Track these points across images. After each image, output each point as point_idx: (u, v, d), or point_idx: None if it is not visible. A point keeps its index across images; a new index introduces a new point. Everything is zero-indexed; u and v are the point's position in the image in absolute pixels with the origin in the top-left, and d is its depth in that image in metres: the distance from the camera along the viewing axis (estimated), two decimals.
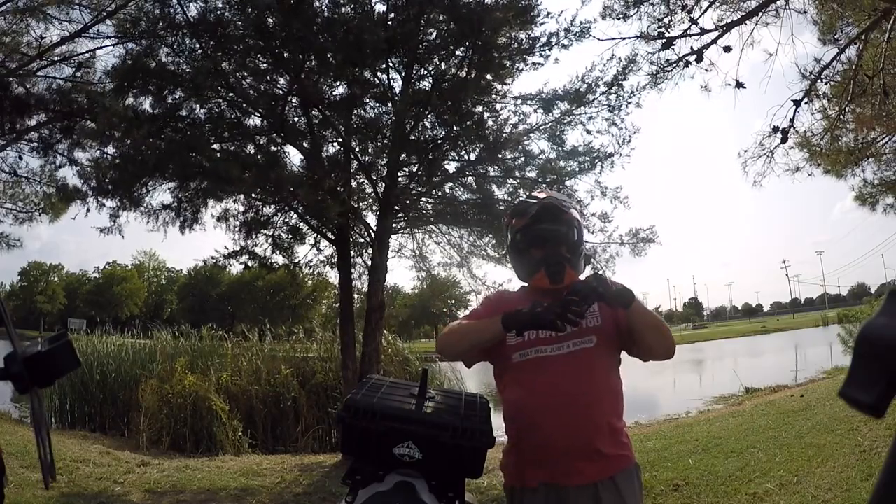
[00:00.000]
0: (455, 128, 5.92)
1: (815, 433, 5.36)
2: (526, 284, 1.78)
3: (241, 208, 6.97)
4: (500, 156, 6.28)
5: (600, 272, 1.52)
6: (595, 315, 1.63)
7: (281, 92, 6.32)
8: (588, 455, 1.55)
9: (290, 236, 7.18)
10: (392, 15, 5.98)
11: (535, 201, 1.71)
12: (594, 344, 1.62)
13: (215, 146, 6.31)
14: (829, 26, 7.41)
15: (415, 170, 6.58)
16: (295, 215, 7.00)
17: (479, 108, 6.26)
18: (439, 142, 6.29)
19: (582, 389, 1.56)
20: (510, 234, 1.78)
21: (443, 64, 6.29)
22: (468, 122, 5.88)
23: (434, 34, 6.24)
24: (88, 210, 6.70)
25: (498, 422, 1.66)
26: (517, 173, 6.49)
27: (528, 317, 1.49)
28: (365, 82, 6.06)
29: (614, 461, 1.58)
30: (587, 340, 1.62)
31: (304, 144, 6.42)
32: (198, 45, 6.04)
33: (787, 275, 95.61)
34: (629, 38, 6.58)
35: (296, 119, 6.44)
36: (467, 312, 1.89)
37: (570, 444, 1.54)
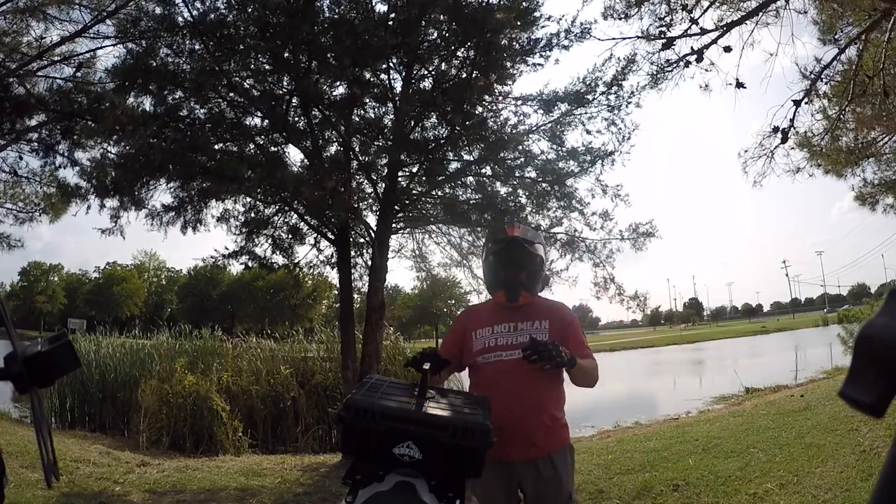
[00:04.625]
0: (456, 128, 5.92)
1: (815, 433, 5.36)
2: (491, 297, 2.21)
3: (242, 209, 6.98)
4: (500, 156, 6.28)
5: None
6: (544, 331, 2.04)
7: (282, 92, 6.32)
8: (531, 438, 1.97)
9: (290, 236, 7.18)
10: (393, 15, 5.98)
11: (506, 235, 2.12)
12: None
13: (216, 146, 6.31)
14: (829, 26, 7.41)
15: (415, 170, 6.58)
16: (295, 216, 7.00)
17: (480, 109, 6.26)
18: (441, 142, 6.29)
19: (528, 385, 1.97)
20: (485, 254, 2.20)
21: (443, 64, 6.29)
22: (469, 123, 5.88)
23: (435, 35, 6.24)
24: (89, 207, 6.70)
25: None
26: (517, 173, 6.49)
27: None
28: (365, 83, 6.06)
29: (552, 442, 2.03)
30: None
31: (305, 144, 6.42)
32: (198, 46, 6.04)
33: (787, 275, 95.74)
34: (629, 38, 6.59)
35: (296, 119, 6.44)
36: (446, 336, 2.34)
37: (518, 429, 1.93)
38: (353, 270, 6.98)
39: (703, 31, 6.58)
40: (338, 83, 6.27)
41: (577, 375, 2.01)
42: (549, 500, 2.00)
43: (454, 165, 6.72)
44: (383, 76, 6.27)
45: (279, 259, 7.24)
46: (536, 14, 6.00)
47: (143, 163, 5.62)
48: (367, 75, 6.09)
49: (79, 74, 7.89)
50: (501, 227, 2.22)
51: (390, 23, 5.84)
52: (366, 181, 6.63)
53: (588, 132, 6.43)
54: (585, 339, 2.12)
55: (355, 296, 7.32)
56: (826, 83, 7.83)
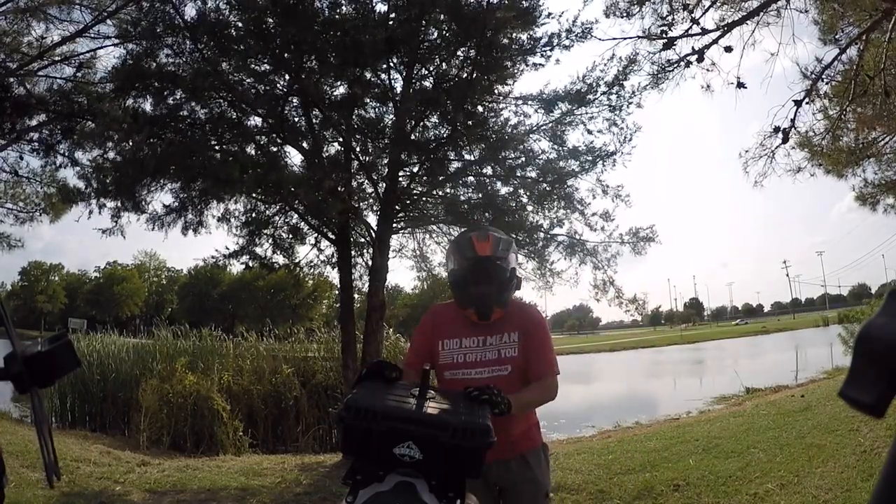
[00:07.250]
0: (457, 128, 5.92)
1: (816, 433, 5.36)
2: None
3: (243, 209, 6.98)
4: (501, 156, 6.28)
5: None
6: (515, 346, 1.98)
7: (281, 92, 6.32)
8: (506, 439, 1.82)
9: (290, 236, 7.18)
10: (393, 15, 5.98)
11: (475, 254, 1.93)
12: (508, 372, 1.96)
13: (216, 147, 6.30)
14: (830, 26, 7.40)
15: (416, 170, 6.58)
16: (296, 216, 7.00)
17: (481, 109, 6.26)
18: (441, 142, 6.29)
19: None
20: (452, 264, 2.03)
21: (444, 64, 6.29)
22: (470, 122, 5.88)
23: (435, 34, 6.24)
24: (91, 213, 6.70)
25: None
26: (518, 173, 6.49)
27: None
28: (366, 82, 6.06)
29: (523, 443, 2.01)
30: (503, 368, 1.97)
31: (305, 145, 6.42)
32: (198, 47, 6.04)
33: (787, 275, 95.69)
34: (630, 37, 6.59)
35: (296, 119, 6.44)
36: (412, 341, 2.20)
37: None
38: (353, 270, 6.98)
39: (704, 31, 6.59)
40: (338, 83, 6.27)
41: (521, 410, 1.89)
42: (528, 499, 2.01)
43: (455, 165, 6.72)
44: (383, 76, 6.28)
45: (280, 259, 7.25)
46: (537, 13, 6.00)
47: (141, 166, 5.61)
48: (367, 75, 6.09)
49: (79, 74, 7.90)
50: (468, 237, 1.99)
51: (390, 23, 5.84)
52: (366, 181, 6.63)
53: (589, 132, 6.44)
54: (553, 356, 2.03)
55: (356, 296, 7.32)
56: (827, 83, 7.83)
